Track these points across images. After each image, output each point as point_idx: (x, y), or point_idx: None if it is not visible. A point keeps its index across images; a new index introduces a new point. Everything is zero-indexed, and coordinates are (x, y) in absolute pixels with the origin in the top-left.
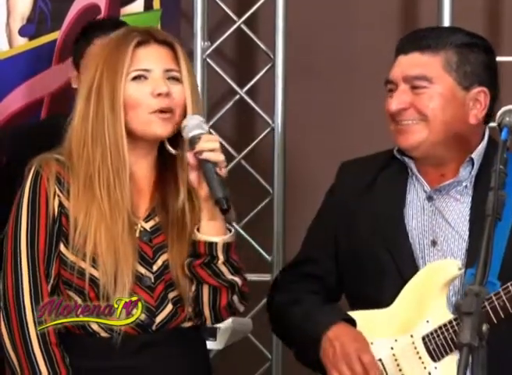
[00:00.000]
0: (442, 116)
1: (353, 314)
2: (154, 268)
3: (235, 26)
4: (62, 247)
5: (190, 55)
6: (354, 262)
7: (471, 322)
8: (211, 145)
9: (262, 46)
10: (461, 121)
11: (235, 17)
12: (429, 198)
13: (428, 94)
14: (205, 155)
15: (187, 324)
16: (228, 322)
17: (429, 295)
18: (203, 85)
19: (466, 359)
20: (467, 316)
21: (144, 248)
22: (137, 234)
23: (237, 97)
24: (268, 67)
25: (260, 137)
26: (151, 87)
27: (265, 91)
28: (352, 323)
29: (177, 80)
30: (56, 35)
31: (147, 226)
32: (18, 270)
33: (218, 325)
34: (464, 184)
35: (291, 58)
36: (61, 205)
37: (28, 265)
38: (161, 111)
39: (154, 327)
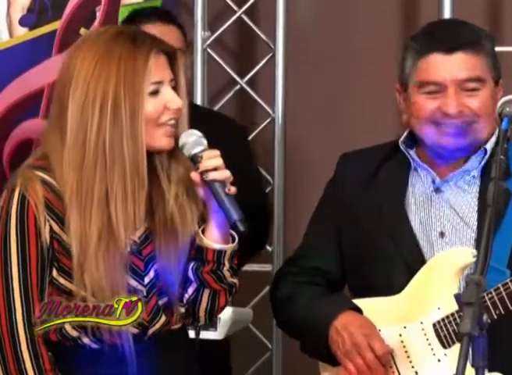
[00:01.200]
0: (492, 115)
1: (359, 302)
2: (146, 280)
3: (235, 16)
4: (54, 272)
5: (191, 45)
6: (358, 254)
7: (471, 311)
8: (214, 163)
9: (263, 36)
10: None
11: (235, 7)
12: (437, 190)
13: (480, 95)
14: (211, 176)
15: (176, 326)
16: (228, 312)
17: (441, 282)
18: (203, 75)
19: (466, 349)
20: (467, 305)
21: (135, 261)
22: (128, 248)
23: (238, 87)
24: (268, 57)
25: (260, 127)
26: (165, 101)
27: (266, 81)
28: (358, 311)
29: (174, 89)
30: (56, 25)
31: (136, 236)
32: (11, 306)
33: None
34: (471, 174)
35: (291, 48)
36: (52, 230)
37: (21, 300)
38: (171, 123)
39: (146, 338)
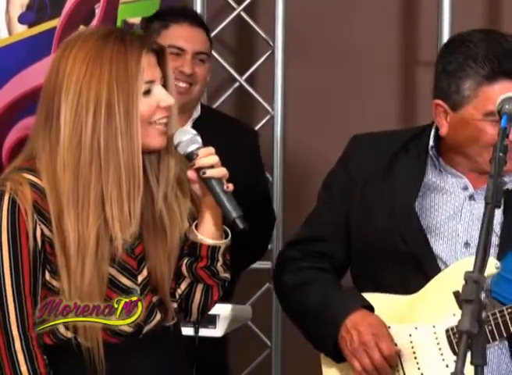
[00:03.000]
0: None
1: (372, 297)
2: (140, 279)
3: (234, 14)
4: (47, 275)
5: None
6: (367, 248)
7: (470, 309)
8: (210, 161)
9: (262, 33)
10: None
11: (234, 4)
12: (471, 197)
13: None
14: (208, 173)
15: (169, 323)
16: (227, 309)
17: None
18: None
19: (465, 346)
20: (466, 303)
21: (127, 260)
22: (120, 249)
23: (237, 84)
24: (267, 54)
25: (259, 124)
26: (157, 99)
27: (265, 79)
28: (370, 308)
29: (164, 86)
30: (56, 22)
31: (127, 235)
32: (4, 311)
33: (217, 312)
34: (506, 187)
35: (290, 45)
36: (43, 234)
37: (14, 304)
38: (164, 121)
39: (140, 336)
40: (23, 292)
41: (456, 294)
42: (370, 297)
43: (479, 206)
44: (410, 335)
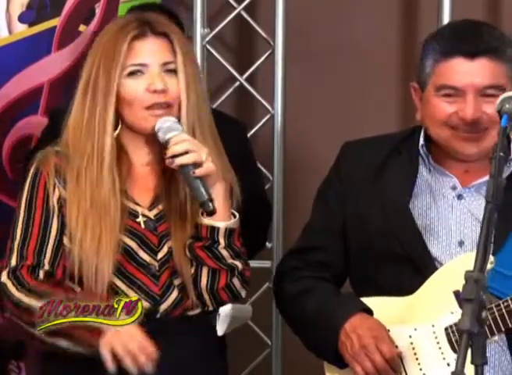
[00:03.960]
0: None
1: (370, 301)
2: (160, 255)
3: (235, 13)
4: (65, 240)
5: (190, 42)
6: (364, 253)
7: (470, 308)
8: (180, 148)
9: (262, 33)
10: None
11: (235, 3)
12: (459, 196)
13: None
14: (177, 161)
15: (195, 311)
16: (227, 309)
17: (456, 287)
18: (202, 72)
19: (465, 346)
20: (467, 302)
21: (149, 236)
22: (142, 225)
23: (237, 84)
24: (267, 54)
25: (260, 123)
26: (147, 83)
27: (265, 78)
28: (369, 312)
29: (174, 71)
30: (56, 22)
31: (151, 214)
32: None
33: (217, 312)
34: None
35: (291, 44)
36: (61, 197)
37: (20, 238)
38: (156, 106)
39: (158, 315)
40: (31, 230)
41: (456, 293)
42: (367, 301)
43: (469, 204)
44: (410, 336)
